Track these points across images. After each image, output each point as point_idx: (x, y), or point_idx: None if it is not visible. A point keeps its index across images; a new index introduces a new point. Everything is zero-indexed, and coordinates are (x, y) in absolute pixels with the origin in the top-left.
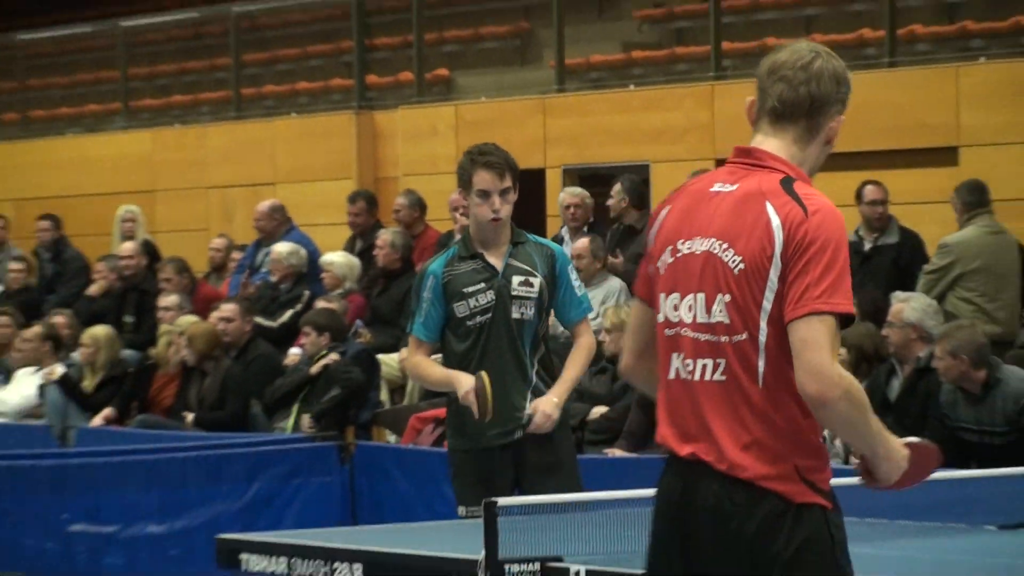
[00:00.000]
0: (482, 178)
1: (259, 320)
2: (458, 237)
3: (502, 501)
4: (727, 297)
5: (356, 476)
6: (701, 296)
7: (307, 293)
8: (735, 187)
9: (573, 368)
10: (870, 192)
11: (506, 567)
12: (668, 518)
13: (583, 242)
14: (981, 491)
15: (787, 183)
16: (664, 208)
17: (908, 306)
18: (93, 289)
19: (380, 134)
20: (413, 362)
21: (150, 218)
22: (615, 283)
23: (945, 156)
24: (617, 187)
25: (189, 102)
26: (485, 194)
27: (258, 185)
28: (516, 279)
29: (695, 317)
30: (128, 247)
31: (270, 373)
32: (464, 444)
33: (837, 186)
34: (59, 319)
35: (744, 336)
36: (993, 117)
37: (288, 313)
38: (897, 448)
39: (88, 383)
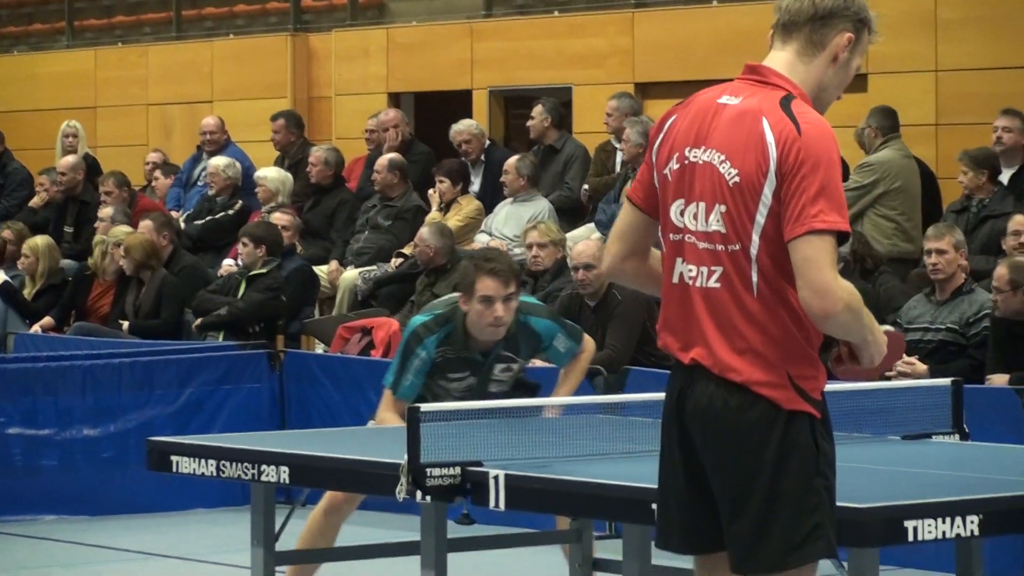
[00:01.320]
0: (486, 285)
1: (192, 222)
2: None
3: (424, 407)
4: (723, 208)
5: (285, 383)
6: (702, 205)
7: (240, 202)
8: (738, 100)
9: (567, 387)
10: None
11: (428, 471)
12: (669, 418)
13: (511, 160)
14: (887, 402)
15: (786, 101)
16: (671, 117)
17: None
18: (35, 201)
19: (314, 55)
20: (383, 417)
21: (91, 133)
22: (543, 203)
23: (854, 82)
24: (538, 108)
25: (131, 22)
26: (489, 300)
27: (196, 103)
28: (499, 367)
29: (697, 225)
30: (68, 161)
31: (198, 283)
32: None
33: None
34: (6, 233)
35: (738, 247)
36: (901, 46)
37: (219, 215)
38: (881, 334)
39: (28, 291)
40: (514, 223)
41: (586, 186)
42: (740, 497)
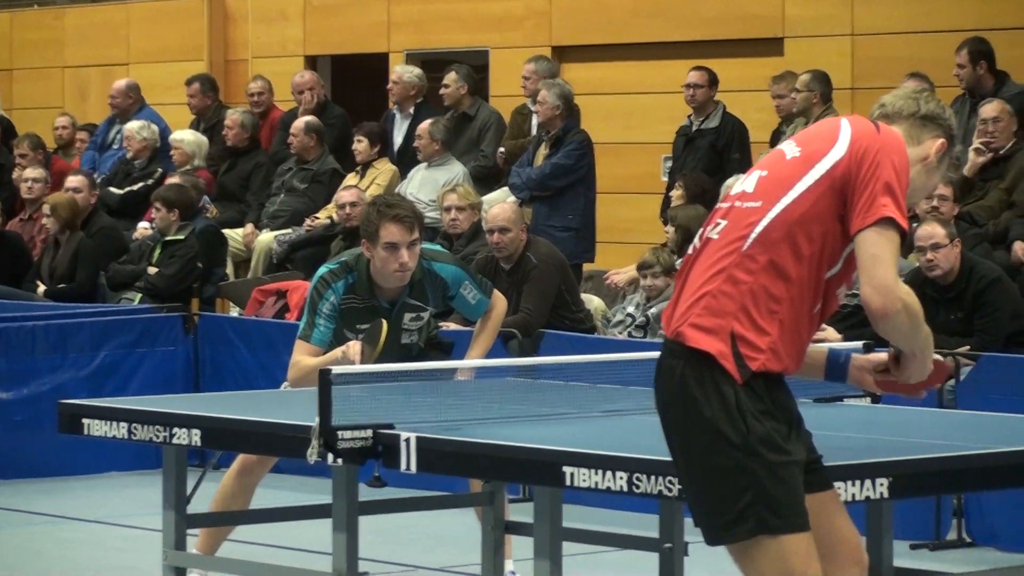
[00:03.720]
0: (390, 231)
1: (111, 189)
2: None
3: (336, 369)
4: (764, 173)
5: (200, 346)
6: (743, 176)
7: (160, 170)
8: None
9: (479, 348)
10: (689, 76)
11: (339, 434)
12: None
13: (423, 125)
14: None
15: (874, 121)
16: None
17: None
18: None
19: (231, 17)
20: (296, 360)
21: (7, 96)
22: (457, 167)
23: (770, 46)
24: (452, 75)
25: None
26: (393, 247)
27: (112, 65)
28: (408, 316)
29: (732, 191)
30: None
31: (114, 245)
32: None
33: (666, 75)
34: None
35: (757, 204)
36: (816, 9)
37: (138, 185)
38: (931, 353)
39: None
40: (429, 187)
41: (502, 149)
42: (679, 470)
